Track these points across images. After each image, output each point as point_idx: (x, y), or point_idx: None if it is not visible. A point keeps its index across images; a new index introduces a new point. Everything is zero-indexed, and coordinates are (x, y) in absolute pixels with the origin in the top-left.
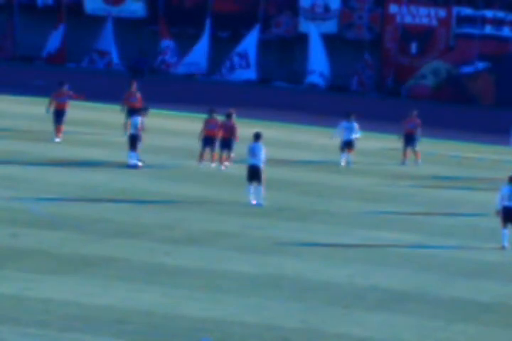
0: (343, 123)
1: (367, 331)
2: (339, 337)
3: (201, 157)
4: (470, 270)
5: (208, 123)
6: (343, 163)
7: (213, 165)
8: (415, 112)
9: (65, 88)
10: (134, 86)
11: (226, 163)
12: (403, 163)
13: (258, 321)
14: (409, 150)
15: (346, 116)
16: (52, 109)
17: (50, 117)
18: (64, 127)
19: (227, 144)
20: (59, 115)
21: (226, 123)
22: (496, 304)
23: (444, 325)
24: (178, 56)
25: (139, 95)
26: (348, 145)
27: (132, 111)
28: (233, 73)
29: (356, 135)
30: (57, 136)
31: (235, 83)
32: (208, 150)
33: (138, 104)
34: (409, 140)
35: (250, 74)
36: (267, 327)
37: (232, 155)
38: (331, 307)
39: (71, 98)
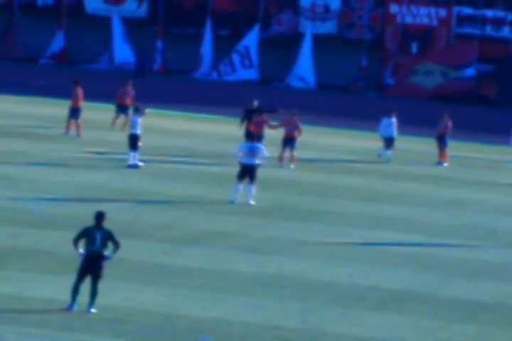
0: (384, 120)
1: (367, 331)
2: (339, 337)
3: (282, 158)
4: (470, 270)
5: (288, 125)
6: (384, 158)
7: (292, 166)
8: (447, 113)
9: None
10: (130, 84)
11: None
12: (439, 163)
13: (258, 321)
14: (442, 151)
15: (387, 112)
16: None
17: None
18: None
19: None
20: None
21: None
22: (495, 304)
23: (444, 325)
24: (164, 56)
25: (132, 93)
26: (389, 141)
27: (122, 108)
28: (234, 73)
29: (394, 132)
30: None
31: (236, 82)
32: (287, 151)
33: (129, 100)
34: (441, 141)
35: (252, 74)
36: (267, 327)
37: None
38: (331, 307)
39: None
